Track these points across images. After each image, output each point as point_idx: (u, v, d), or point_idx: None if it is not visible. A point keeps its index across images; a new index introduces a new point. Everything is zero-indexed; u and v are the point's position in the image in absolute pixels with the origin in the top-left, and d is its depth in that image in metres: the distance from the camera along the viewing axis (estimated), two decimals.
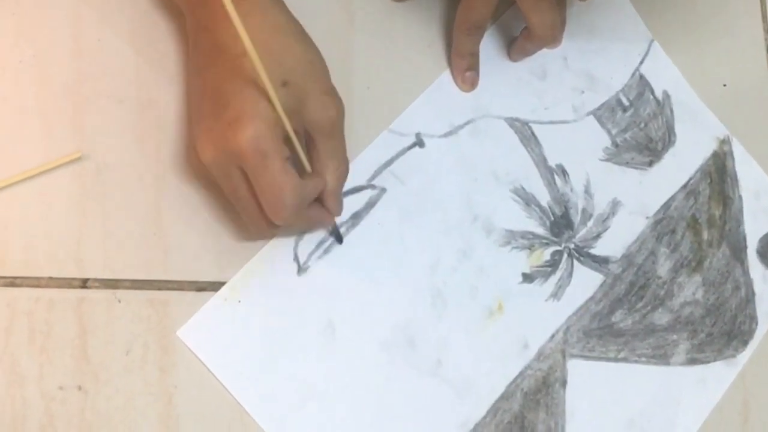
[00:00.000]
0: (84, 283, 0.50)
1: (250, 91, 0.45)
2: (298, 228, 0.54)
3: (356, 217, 0.55)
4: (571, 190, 0.61)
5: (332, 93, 0.48)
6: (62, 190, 0.51)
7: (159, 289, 0.51)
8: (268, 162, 0.44)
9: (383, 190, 0.56)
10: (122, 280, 0.51)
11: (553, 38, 0.58)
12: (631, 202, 0.62)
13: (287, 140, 0.46)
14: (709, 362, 0.61)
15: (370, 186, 0.56)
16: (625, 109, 0.64)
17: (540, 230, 0.59)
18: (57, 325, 0.49)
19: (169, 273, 0.51)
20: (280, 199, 0.46)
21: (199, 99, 0.48)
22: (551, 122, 0.62)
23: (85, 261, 0.50)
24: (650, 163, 0.64)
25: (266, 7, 0.48)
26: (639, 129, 0.64)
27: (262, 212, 0.48)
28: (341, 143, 0.50)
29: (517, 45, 0.61)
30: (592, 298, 0.60)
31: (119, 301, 0.50)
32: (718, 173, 0.65)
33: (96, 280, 0.50)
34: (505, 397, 0.56)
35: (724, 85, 0.68)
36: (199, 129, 0.47)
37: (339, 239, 0.55)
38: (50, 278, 0.50)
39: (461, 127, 0.60)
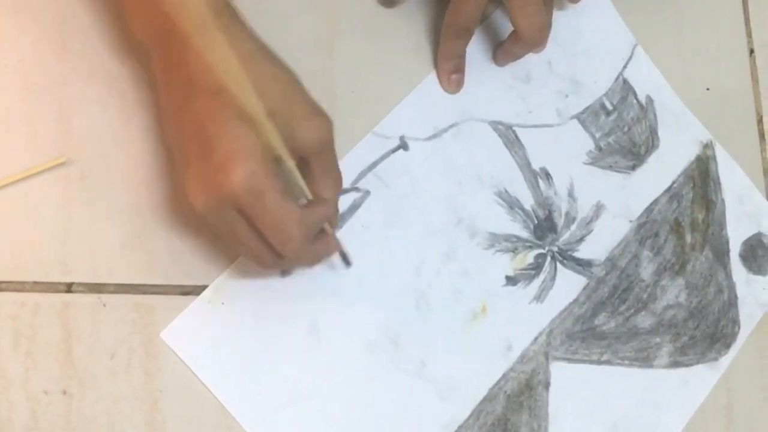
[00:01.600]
0: (69, 288, 0.50)
1: (234, 130, 0.43)
2: (306, 262, 0.52)
3: (340, 220, 0.55)
4: (555, 193, 0.61)
5: (318, 112, 0.47)
6: (47, 194, 0.51)
7: (144, 293, 0.51)
8: (266, 199, 0.43)
9: (367, 192, 0.57)
10: (107, 284, 0.51)
11: (540, 41, 0.59)
12: (614, 206, 0.63)
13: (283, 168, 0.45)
14: (691, 365, 0.61)
15: (354, 189, 0.57)
16: (608, 113, 0.64)
17: (524, 233, 0.60)
18: (42, 329, 0.49)
19: (154, 277, 0.52)
20: (285, 233, 0.45)
21: (180, 142, 0.46)
22: (535, 126, 0.62)
23: (69, 265, 0.50)
24: (633, 167, 0.64)
25: (235, 36, 0.45)
26: (622, 133, 0.64)
27: (268, 246, 0.46)
28: (334, 158, 0.49)
29: (504, 48, 0.61)
30: (575, 301, 0.60)
31: (104, 305, 0.50)
32: (701, 177, 0.66)
33: (81, 284, 0.50)
34: (489, 399, 0.56)
35: (707, 89, 0.68)
36: (187, 175, 0.45)
37: (347, 262, 0.54)
38: (35, 282, 0.50)
39: (445, 130, 0.60)
